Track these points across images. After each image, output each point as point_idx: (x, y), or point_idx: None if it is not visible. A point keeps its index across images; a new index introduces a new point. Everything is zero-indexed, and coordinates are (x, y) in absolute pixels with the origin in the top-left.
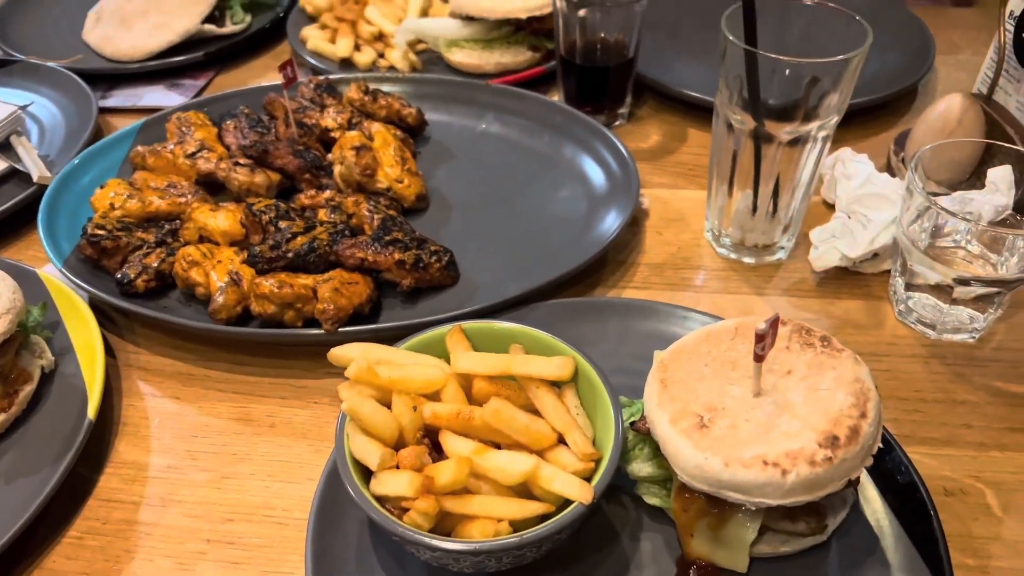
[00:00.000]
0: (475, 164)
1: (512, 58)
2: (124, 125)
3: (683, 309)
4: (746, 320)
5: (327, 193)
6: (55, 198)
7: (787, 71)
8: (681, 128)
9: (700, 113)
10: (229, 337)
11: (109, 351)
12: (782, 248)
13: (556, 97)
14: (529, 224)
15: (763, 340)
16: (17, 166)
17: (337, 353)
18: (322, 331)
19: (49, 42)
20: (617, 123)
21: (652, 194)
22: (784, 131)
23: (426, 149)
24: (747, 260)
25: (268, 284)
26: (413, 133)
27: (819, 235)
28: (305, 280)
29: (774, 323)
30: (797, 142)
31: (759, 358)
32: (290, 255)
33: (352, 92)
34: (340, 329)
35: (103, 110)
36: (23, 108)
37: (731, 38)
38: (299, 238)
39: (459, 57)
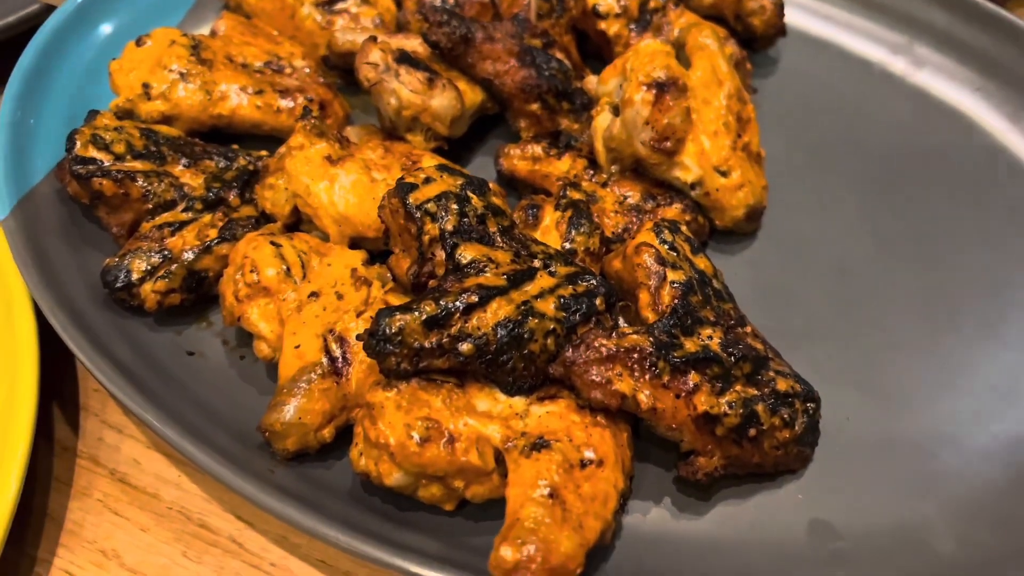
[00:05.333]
0: (869, 147)
1: None
2: None
3: None
4: None
5: (566, 162)
6: (58, 45)
7: None
8: None
9: None
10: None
11: (54, 414)
12: None
13: None
14: (982, 327)
15: None
16: None
17: None
18: None
19: None
20: None
21: None
22: None
23: (766, 86)
24: None
25: (400, 426)
26: (751, 46)
27: None
28: (481, 424)
29: None
30: None
31: None
32: (465, 347)
33: None
34: None
35: None
36: None
37: None
38: (494, 304)
39: None
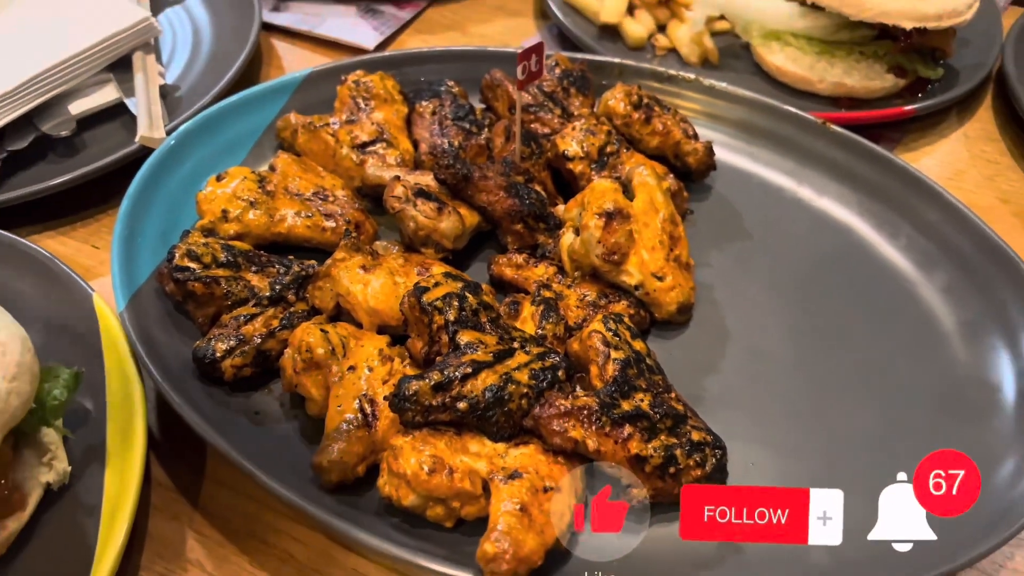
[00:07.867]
0: (780, 256)
1: (861, 80)
2: (289, 59)
3: None
4: None
5: (541, 269)
6: (155, 178)
7: None
8: None
9: None
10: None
11: (155, 462)
12: None
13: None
14: (862, 397)
15: None
16: (127, 102)
17: None
18: None
19: None
20: None
21: None
22: None
23: (701, 209)
24: None
25: (414, 461)
26: (688, 178)
27: None
28: (472, 461)
29: None
30: None
31: None
32: (461, 405)
33: (617, 102)
34: None
35: (268, 27)
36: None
37: None
38: (483, 375)
39: (778, 60)
